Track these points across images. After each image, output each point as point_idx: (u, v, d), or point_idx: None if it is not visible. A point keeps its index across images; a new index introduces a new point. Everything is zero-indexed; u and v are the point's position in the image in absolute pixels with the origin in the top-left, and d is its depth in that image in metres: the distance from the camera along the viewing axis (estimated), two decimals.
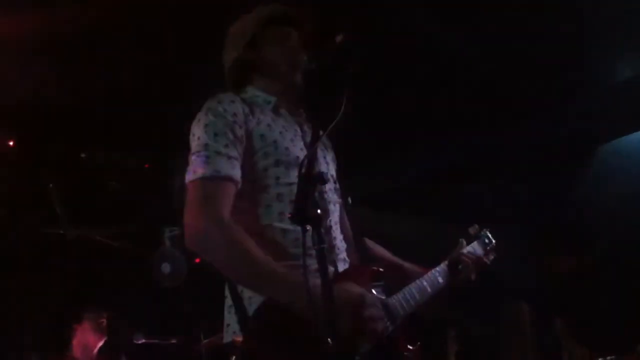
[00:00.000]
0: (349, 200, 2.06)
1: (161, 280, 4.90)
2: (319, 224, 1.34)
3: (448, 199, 6.45)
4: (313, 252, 1.33)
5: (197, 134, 1.71)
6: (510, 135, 5.79)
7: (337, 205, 1.92)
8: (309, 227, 1.33)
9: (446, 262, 2.10)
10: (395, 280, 1.91)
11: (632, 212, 5.33)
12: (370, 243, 2.11)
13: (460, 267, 2.10)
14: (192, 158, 1.69)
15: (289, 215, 1.36)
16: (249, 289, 1.63)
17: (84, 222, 4.96)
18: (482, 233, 2.30)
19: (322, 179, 1.40)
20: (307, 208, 1.33)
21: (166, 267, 4.77)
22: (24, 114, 4.55)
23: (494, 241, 2.31)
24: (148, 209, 5.24)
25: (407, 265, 2.10)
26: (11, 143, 4.73)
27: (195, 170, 1.65)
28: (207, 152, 1.65)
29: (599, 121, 5.53)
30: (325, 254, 1.35)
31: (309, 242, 1.33)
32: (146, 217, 5.23)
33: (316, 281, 1.31)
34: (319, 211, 1.34)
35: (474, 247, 2.24)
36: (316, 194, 1.40)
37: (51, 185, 4.69)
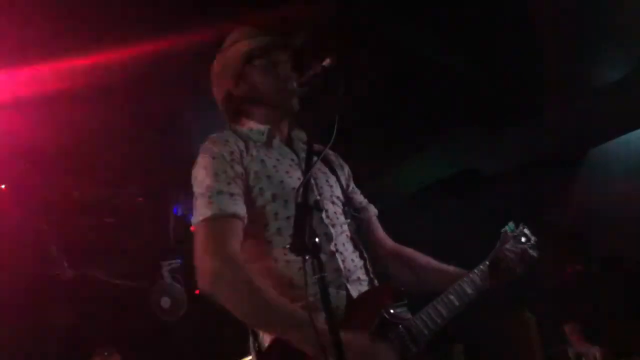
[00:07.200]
0: (371, 211, 2.03)
1: (161, 314, 4.84)
2: (318, 253, 1.34)
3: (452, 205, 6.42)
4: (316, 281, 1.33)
5: (198, 177, 1.73)
6: (505, 140, 5.80)
7: (345, 226, 1.87)
8: (308, 257, 1.33)
9: (486, 263, 1.92)
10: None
11: (627, 212, 5.34)
12: (409, 251, 2.03)
13: (502, 265, 1.91)
14: (196, 202, 1.70)
15: (288, 246, 1.35)
16: (260, 329, 1.64)
17: (80, 261, 4.90)
18: (519, 230, 2.02)
19: (317, 207, 1.41)
20: (304, 238, 1.32)
21: (166, 302, 4.73)
22: (14, 156, 4.51)
23: (533, 238, 2.00)
24: (144, 244, 5.19)
25: (452, 269, 1.99)
26: (3, 186, 4.69)
27: (200, 212, 1.66)
28: (209, 193, 1.67)
29: (591, 124, 5.56)
30: (326, 283, 1.34)
31: (311, 272, 1.32)
32: (143, 252, 5.17)
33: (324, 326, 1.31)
34: (317, 240, 1.34)
35: (512, 245, 1.97)
36: (314, 221, 1.38)
37: (45, 226, 4.64)
